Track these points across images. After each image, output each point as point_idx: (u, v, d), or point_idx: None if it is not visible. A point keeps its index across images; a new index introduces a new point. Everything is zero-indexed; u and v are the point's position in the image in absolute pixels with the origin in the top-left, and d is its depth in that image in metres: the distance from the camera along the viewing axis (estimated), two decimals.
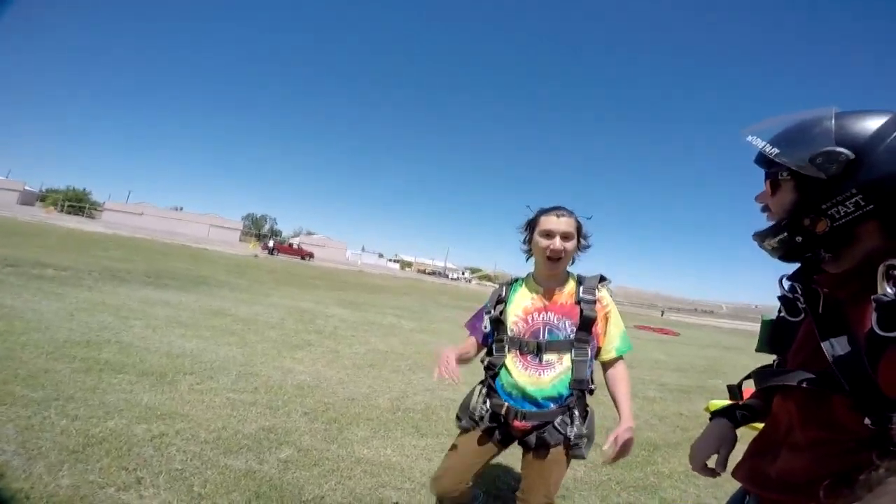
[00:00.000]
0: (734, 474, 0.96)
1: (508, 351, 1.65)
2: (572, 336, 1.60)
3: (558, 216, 1.63)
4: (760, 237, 0.86)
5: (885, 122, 0.74)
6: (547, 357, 1.60)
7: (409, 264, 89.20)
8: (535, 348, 1.60)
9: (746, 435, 1.01)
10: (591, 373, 1.65)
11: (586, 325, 1.60)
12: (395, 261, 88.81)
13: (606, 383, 1.71)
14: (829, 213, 0.75)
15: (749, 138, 0.85)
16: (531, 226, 1.71)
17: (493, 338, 1.72)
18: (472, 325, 1.82)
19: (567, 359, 1.60)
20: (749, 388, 1.04)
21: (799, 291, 0.88)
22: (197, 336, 5.18)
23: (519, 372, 1.61)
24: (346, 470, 2.53)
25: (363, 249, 70.30)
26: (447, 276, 59.63)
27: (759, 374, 0.93)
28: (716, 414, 1.10)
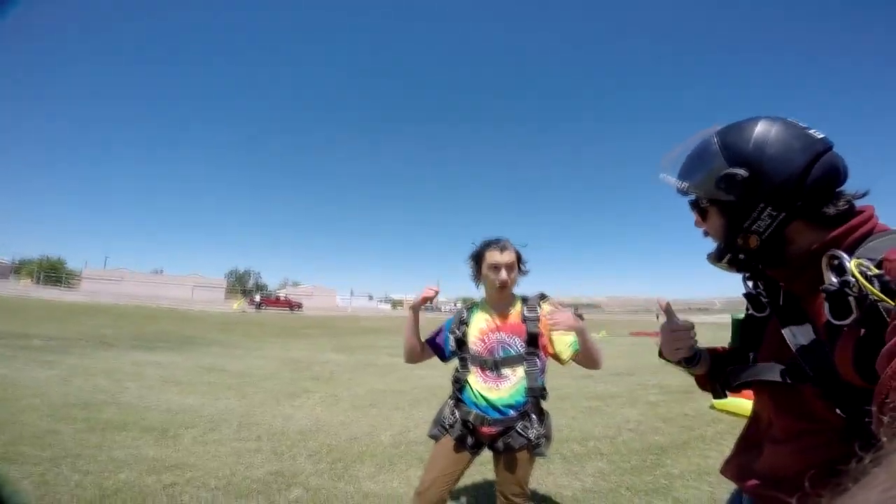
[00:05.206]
0: (723, 472, 0.96)
1: (471, 368, 1.87)
2: (522, 351, 1.83)
3: (501, 251, 1.84)
4: (713, 259, 0.88)
5: (759, 130, 0.76)
6: (503, 371, 1.82)
7: (400, 303, 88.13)
8: (492, 365, 1.83)
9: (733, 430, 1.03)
10: (543, 382, 1.85)
11: (533, 340, 1.84)
12: (385, 301, 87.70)
13: (582, 364, 1.86)
14: (753, 229, 0.78)
15: (661, 176, 0.87)
16: (478, 259, 1.91)
17: (458, 355, 1.93)
18: (432, 339, 2.04)
19: (520, 370, 1.82)
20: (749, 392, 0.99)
21: (761, 287, 0.90)
22: (193, 392, 5.17)
23: (481, 385, 1.83)
24: None
25: (352, 293, 69.22)
26: (440, 309, 58.94)
27: (732, 371, 0.93)
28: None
